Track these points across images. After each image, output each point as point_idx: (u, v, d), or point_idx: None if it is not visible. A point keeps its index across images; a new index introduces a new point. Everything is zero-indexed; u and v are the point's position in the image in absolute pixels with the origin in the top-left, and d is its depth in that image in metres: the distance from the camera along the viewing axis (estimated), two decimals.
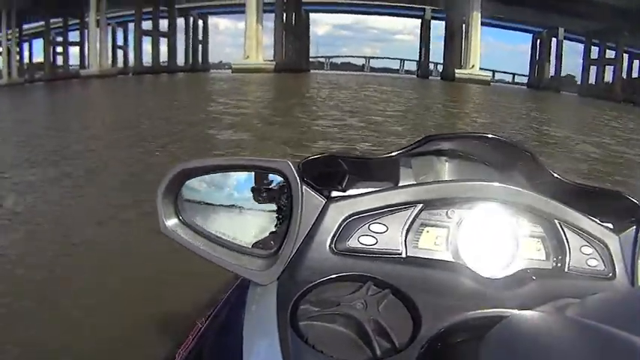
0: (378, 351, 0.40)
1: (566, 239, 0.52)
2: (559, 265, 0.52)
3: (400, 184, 0.55)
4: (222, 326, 0.55)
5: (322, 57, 51.11)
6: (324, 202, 0.50)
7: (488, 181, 0.52)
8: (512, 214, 0.51)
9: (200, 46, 42.88)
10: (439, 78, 37.11)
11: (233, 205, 0.52)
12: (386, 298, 0.44)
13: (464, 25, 32.47)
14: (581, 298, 0.40)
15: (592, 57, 32.69)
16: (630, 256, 0.53)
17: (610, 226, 0.55)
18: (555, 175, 0.56)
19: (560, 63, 35.37)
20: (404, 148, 0.57)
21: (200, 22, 43.10)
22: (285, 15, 36.49)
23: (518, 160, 0.58)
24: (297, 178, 0.48)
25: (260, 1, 32.54)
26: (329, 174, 0.56)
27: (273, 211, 0.52)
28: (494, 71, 42.86)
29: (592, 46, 32.56)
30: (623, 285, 0.51)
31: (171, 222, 0.50)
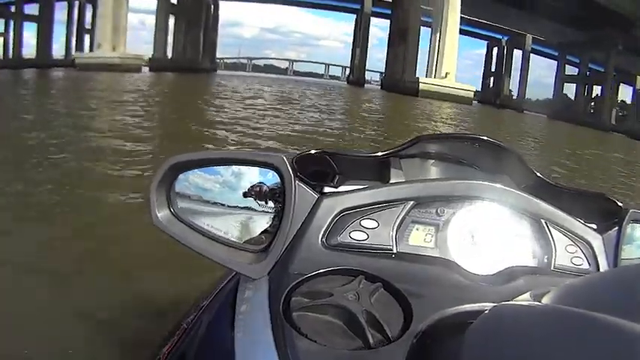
0: (371, 341, 0.39)
1: (552, 238, 0.53)
2: (545, 262, 0.53)
3: (391, 182, 0.56)
4: (211, 320, 0.55)
5: (245, 58, 43.65)
6: (316, 197, 0.50)
7: (478, 181, 0.53)
8: (501, 213, 0.53)
9: (87, 35, 32.97)
10: (379, 87, 29.84)
11: (226, 201, 0.52)
12: (377, 291, 0.44)
13: (434, 22, 25.27)
14: None
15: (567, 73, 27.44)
16: (613, 254, 0.55)
17: (594, 226, 0.57)
18: (542, 177, 0.58)
19: (526, 78, 30.06)
20: (395, 147, 0.59)
21: (89, 5, 33.12)
22: None
23: (506, 163, 0.60)
24: (291, 172, 0.49)
25: None
26: (322, 170, 0.57)
27: (267, 208, 0.52)
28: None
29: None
30: None
31: (164, 214, 0.50)
